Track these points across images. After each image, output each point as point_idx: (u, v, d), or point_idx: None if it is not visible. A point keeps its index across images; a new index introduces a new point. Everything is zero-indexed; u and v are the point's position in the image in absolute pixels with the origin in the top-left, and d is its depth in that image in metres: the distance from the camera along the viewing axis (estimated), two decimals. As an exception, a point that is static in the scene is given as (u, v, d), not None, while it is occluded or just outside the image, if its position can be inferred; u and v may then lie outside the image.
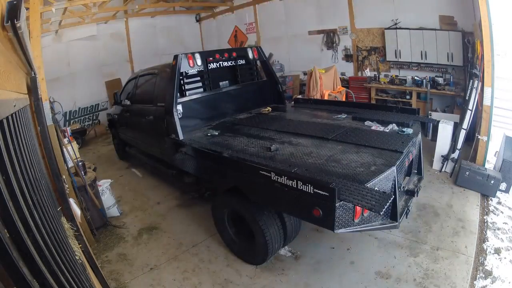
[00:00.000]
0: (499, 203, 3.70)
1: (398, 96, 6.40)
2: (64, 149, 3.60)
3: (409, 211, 2.69)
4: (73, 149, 4.02)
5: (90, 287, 1.45)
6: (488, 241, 3.08)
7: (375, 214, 2.22)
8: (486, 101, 4.03)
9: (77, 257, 1.55)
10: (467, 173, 3.89)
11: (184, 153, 3.39)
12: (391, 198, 1.95)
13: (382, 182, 2.25)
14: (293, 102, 4.99)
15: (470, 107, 4.29)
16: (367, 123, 3.45)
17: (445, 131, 4.43)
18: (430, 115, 5.53)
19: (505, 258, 2.85)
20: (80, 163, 3.77)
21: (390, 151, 2.62)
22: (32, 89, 1.84)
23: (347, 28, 7.07)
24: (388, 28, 6.31)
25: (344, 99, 5.91)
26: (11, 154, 0.87)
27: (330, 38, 7.45)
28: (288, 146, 2.94)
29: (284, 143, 3.05)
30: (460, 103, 5.22)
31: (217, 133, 3.51)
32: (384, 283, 2.63)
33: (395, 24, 6.18)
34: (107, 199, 4.09)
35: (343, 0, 6.87)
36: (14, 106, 1.06)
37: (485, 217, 3.44)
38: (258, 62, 4.82)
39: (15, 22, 1.00)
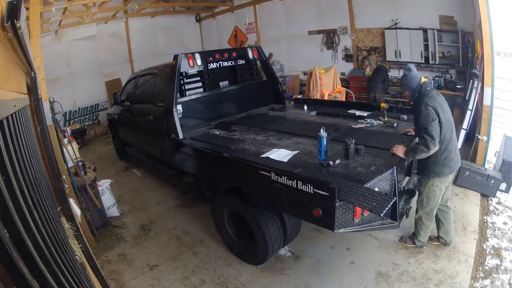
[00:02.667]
0: (499, 203, 3.70)
1: (398, 96, 6.40)
2: (64, 149, 3.60)
3: (409, 211, 2.69)
4: (73, 149, 4.02)
5: (90, 287, 1.45)
6: (488, 241, 3.08)
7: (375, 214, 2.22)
8: (486, 101, 4.03)
9: (77, 257, 1.55)
10: (467, 173, 3.89)
11: (184, 153, 3.40)
12: (393, 200, 1.95)
13: (382, 182, 2.26)
14: (293, 102, 5.00)
15: (470, 107, 4.29)
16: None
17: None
18: None
19: (505, 258, 2.85)
20: (80, 163, 3.77)
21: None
22: (32, 89, 1.84)
23: (347, 28, 7.07)
24: (388, 28, 6.31)
25: (344, 99, 5.92)
26: (11, 154, 0.87)
27: (330, 38, 7.45)
28: (287, 146, 2.93)
29: (283, 143, 3.05)
30: (460, 103, 5.22)
31: (217, 133, 3.51)
32: (384, 283, 2.63)
33: (395, 24, 6.18)
34: (107, 199, 4.09)
35: (343, 0, 6.87)
36: (14, 106, 1.06)
37: (485, 217, 3.44)
38: (258, 62, 4.82)
39: (15, 22, 1.00)
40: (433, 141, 2.41)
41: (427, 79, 2.68)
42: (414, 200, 2.88)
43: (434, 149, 2.44)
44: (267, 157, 2.66)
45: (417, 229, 2.91)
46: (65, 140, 4.05)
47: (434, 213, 2.79)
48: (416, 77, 2.60)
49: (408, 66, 2.67)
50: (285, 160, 2.58)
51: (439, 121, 2.44)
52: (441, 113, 2.44)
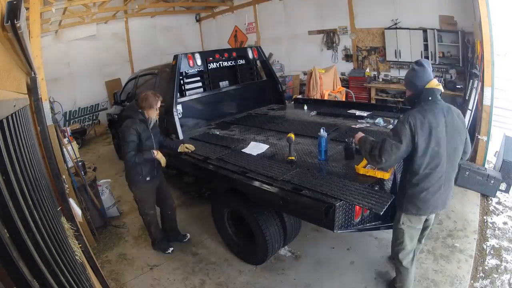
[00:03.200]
0: (499, 203, 3.71)
1: (398, 96, 6.40)
2: (64, 149, 3.60)
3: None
4: (73, 149, 4.02)
5: (90, 287, 1.45)
6: (488, 241, 3.08)
7: (375, 213, 2.21)
8: (486, 101, 4.03)
9: (77, 257, 1.55)
10: (467, 173, 3.89)
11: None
12: (392, 199, 1.95)
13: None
14: (293, 102, 5.00)
15: (470, 107, 4.29)
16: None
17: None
18: None
19: (505, 258, 2.85)
20: (80, 163, 3.77)
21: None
22: (32, 89, 1.84)
23: (347, 28, 7.06)
24: (388, 28, 6.31)
25: (344, 99, 5.92)
26: (11, 154, 0.87)
27: (330, 38, 7.45)
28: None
29: (283, 143, 3.05)
30: (460, 103, 5.22)
31: (217, 133, 3.52)
32: (384, 283, 2.63)
33: (395, 24, 6.18)
34: (107, 199, 4.09)
35: (343, 0, 6.87)
36: (14, 106, 1.06)
37: (485, 217, 3.44)
38: (258, 62, 4.82)
39: (15, 22, 1.00)
40: (380, 158, 1.91)
41: (440, 86, 1.94)
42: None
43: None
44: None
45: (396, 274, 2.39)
46: (65, 140, 4.05)
47: (405, 258, 2.19)
48: (425, 77, 1.93)
49: (420, 61, 1.99)
50: (256, 153, 2.69)
51: (413, 148, 1.87)
52: (420, 138, 1.84)
